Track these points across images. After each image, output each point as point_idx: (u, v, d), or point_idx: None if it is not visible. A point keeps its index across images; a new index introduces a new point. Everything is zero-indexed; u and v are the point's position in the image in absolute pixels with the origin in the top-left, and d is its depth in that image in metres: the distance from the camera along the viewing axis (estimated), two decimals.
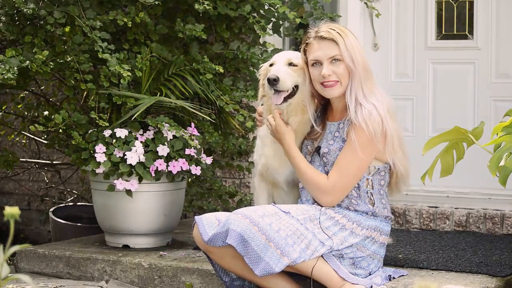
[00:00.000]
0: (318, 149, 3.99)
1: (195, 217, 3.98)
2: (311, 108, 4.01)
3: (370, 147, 3.84)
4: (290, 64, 4.04)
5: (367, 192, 3.93)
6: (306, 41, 3.96)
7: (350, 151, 3.85)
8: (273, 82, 3.96)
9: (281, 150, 4.06)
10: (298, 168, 3.96)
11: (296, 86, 4.03)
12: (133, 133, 4.63)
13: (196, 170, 4.62)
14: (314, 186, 3.92)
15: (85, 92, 4.81)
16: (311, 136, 4.05)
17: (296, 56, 4.06)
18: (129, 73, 4.53)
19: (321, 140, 4.00)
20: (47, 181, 6.62)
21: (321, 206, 3.93)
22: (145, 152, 4.60)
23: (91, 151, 4.59)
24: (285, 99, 4.00)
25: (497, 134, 3.75)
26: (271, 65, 4.08)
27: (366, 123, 3.80)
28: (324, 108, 4.09)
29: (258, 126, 4.27)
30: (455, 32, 5.43)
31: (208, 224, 3.92)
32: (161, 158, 4.57)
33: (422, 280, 3.97)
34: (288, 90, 4.00)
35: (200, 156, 4.69)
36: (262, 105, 4.22)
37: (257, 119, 4.27)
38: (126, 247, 4.79)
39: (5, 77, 4.38)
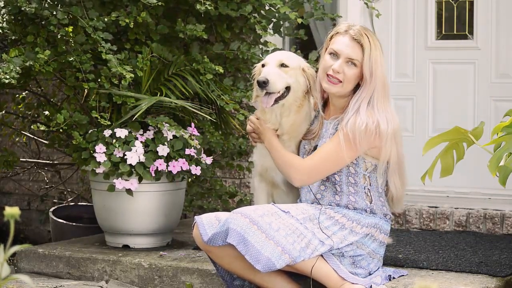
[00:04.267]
0: (315, 148, 3.99)
1: (195, 217, 3.98)
2: (318, 95, 4.02)
3: (353, 152, 3.85)
4: (282, 65, 4.02)
5: (364, 188, 3.93)
6: (337, 31, 3.95)
7: (335, 144, 3.86)
8: (262, 84, 3.95)
9: None
10: (276, 151, 3.99)
11: (288, 88, 4.02)
12: (133, 133, 4.63)
13: (196, 170, 4.62)
14: (288, 164, 3.94)
15: (86, 92, 4.81)
16: (308, 136, 4.06)
17: (288, 57, 4.05)
18: (131, 74, 4.53)
19: (318, 139, 4.01)
20: (47, 181, 6.62)
21: (321, 206, 3.94)
22: (145, 152, 4.60)
23: (91, 151, 4.59)
24: (276, 100, 3.99)
25: (497, 134, 3.75)
26: (263, 65, 4.07)
27: (353, 133, 3.80)
28: (322, 106, 4.09)
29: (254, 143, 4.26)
30: (455, 32, 5.43)
31: (208, 224, 3.92)
32: (161, 158, 4.57)
33: (422, 280, 3.97)
34: (279, 92, 4.00)
35: (200, 156, 4.69)
36: (253, 113, 4.24)
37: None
38: (126, 247, 4.79)
39: (8, 76, 4.38)
